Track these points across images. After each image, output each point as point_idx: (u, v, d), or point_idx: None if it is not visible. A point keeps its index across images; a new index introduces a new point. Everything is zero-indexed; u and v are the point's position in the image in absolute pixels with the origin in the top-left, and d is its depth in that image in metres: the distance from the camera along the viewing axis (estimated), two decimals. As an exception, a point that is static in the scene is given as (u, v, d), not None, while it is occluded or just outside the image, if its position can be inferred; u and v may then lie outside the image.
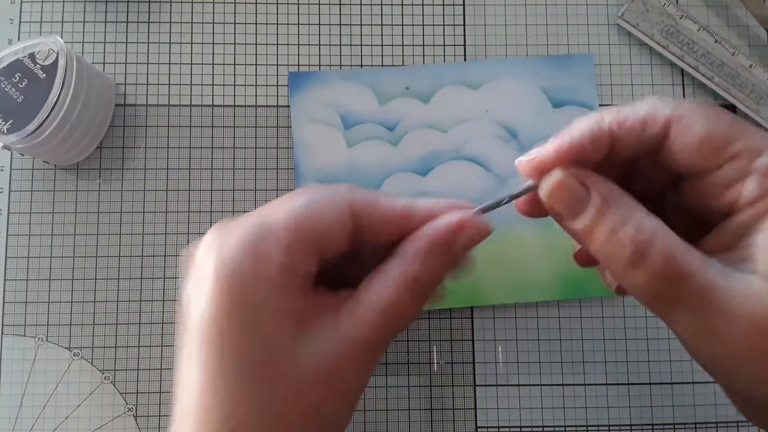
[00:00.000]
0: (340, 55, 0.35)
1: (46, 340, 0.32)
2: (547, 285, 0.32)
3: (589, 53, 0.35)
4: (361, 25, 0.35)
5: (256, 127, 0.34)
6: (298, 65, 0.35)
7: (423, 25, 0.35)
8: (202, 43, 0.35)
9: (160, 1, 0.35)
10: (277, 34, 0.35)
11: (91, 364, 0.32)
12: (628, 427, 0.32)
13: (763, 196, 0.19)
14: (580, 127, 0.21)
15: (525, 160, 0.22)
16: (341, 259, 0.23)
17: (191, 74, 0.34)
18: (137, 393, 0.32)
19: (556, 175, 0.21)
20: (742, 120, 0.21)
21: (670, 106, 0.21)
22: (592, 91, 0.34)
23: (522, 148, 0.33)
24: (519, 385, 0.33)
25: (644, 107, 0.21)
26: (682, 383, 0.33)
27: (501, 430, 0.32)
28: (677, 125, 0.20)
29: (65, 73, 0.30)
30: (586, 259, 0.24)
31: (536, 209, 0.23)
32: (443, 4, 0.35)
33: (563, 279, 0.33)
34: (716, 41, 0.34)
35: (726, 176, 0.20)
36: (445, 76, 0.34)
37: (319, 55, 0.35)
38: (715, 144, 0.20)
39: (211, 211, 0.33)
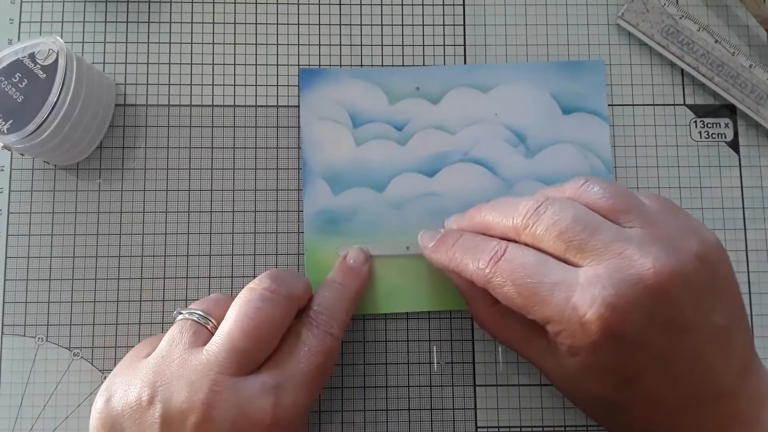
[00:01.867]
0: (340, 55, 0.35)
1: (46, 340, 0.32)
2: None
3: (599, 59, 0.35)
4: (361, 25, 0.35)
5: (256, 127, 0.34)
6: (298, 65, 0.35)
7: (423, 25, 0.35)
8: (202, 43, 0.35)
9: (160, 1, 0.35)
10: (277, 34, 0.35)
11: (91, 364, 0.32)
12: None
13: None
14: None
15: None
16: None
17: (191, 74, 0.34)
18: (137, 393, 0.32)
19: None
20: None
21: (487, 272, 0.26)
22: (602, 98, 0.34)
23: (530, 153, 0.34)
24: (519, 385, 0.33)
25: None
26: (682, 383, 0.33)
27: (501, 430, 0.32)
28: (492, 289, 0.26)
29: (65, 73, 0.30)
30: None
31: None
32: (443, 4, 0.35)
33: None
34: (716, 41, 0.34)
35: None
36: (455, 78, 0.34)
37: (319, 55, 0.35)
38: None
39: (211, 211, 0.33)
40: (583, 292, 0.23)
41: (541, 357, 0.27)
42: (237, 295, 0.28)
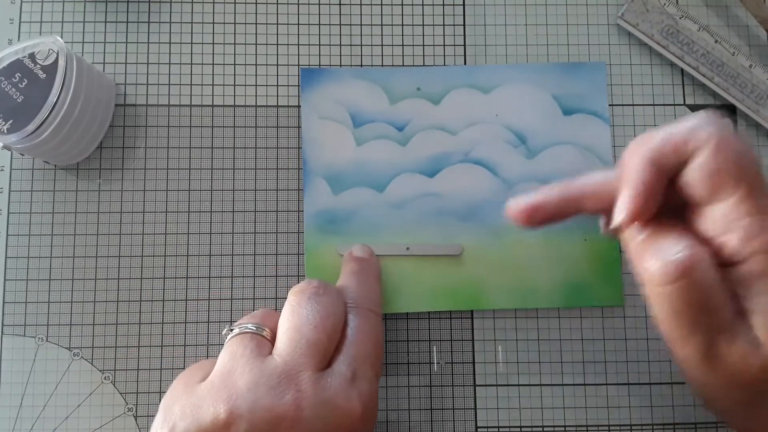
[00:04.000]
0: (341, 55, 0.35)
1: (46, 340, 0.32)
2: (549, 292, 0.33)
3: (600, 61, 0.35)
4: (361, 25, 0.35)
5: (256, 127, 0.34)
6: (298, 65, 0.35)
7: (423, 25, 0.35)
8: (202, 43, 0.35)
9: (160, 1, 0.35)
10: (277, 34, 0.35)
11: (91, 364, 0.32)
12: (628, 427, 0.32)
13: (742, 259, 0.22)
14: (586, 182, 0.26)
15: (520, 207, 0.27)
16: None
17: (191, 74, 0.34)
18: (137, 393, 0.32)
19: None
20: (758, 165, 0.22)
21: (709, 131, 0.22)
22: (603, 100, 0.34)
23: (530, 154, 0.34)
24: (519, 385, 0.33)
25: (687, 126, 0.23)
26: (682, 383, 0.33)
27: (501, 430, 0.32)
28: (706, 151, 0.22)
29: (65, 73, 0.30)
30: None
31: (535, 222, 0.26)
32: (443, 5, 0.35)
33: (566, 287, 0.33)
34: (716, 41, 0.34)
35: (720, 216, 0.22)
36: (456, 78, 0.34)
37: (320, 55, 0.35)
38: (717, 183, 0.22)
39: (211, 211, 0.33)
40: None
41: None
42: (260, 307, 0.29)
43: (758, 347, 0.21)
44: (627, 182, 0.23)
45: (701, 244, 0.22)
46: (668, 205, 0.23)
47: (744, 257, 0.21)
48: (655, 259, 0.22)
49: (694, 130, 0.22)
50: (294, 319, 0.26)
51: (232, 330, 0.27)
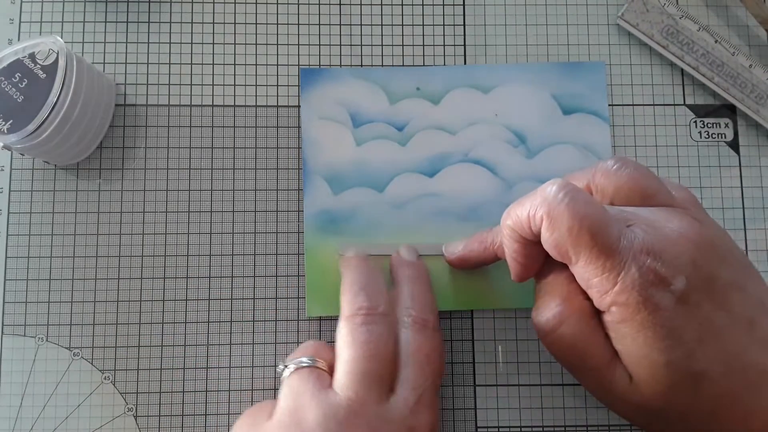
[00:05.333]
0: (340, 55, 0.35)
1: (46, 340, 0.32)
2: None
3: (600, 61, 0.35)
4: (361, 25, 0.35)
5: (256, 127, 0.34)
6: (298, 65, 0.35)
7: (423, 25, 0.35)
8: (202, 43, 0.35)
9: (160, 1, 0.35)
10: (277, 34, 0.35)
11: (91, 364, 0.32)
12: (628, 428, 0.32)
13: (604, 310, 0.24)
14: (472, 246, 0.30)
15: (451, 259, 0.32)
16: None
17: (191, 74, 0.34)
18: (137, 393, 0.32)
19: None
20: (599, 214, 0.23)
21: (542, 205, 0.24)
22: (603, 99, 0.34)
23: (530, 154, 0.34)
24: (519, 385, 0.33)
25: (529, 202, 0.25)
26: (682, 383, 0.33)
27: (501, 430, 0.32)
28: (543, 228, 0.24)
29: (65, 73, 0.30)
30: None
31: (466, 267, 0.32)
32: (443, 5, 0.35)
33: None
34: (716, 41, 0.34)
35: (578, 275, 0.24)
36: (456, 78, 0.34)
37: (320, 55, 0.35)
38: (560, 253, 0.24)
39: (211, 211, 0.33)
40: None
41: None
42: (304, 340, 0.30)
43: (632, 384, 0.24)
44: (505, 251, 0.27)
45: (574, 298, 0.25)
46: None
47: (605, 308, 0.24)
48: (536, 313, 0.26)
49: (535, 207, 0.24)
50: (349, 350, 0.26)
51: (286, 366, 0.27)
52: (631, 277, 0.22)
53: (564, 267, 0.25)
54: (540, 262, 0.27)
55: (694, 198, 0.27)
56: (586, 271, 0.23)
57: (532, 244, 0.26)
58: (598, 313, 0.25)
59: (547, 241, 0.24)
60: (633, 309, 0.23)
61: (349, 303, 0.28)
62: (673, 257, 0.23)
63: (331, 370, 0.27)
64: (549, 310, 0.25)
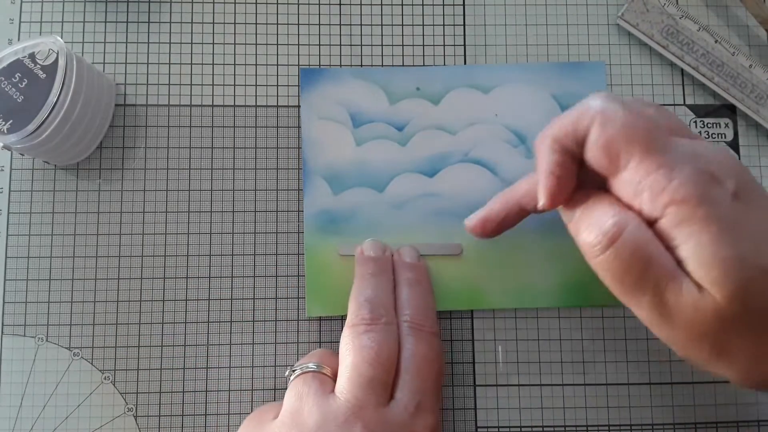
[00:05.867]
0: (340, 55, 0.35)
1: (46, 340, 0.32)
2: (549, 292, 0.33)
3: (600, 61, 0.35)
4: (361, 25, 0.35)
5: (256, 127, 0.34)
6: (298, 65, 0.35)
7: (423, 25, 0.35)
8: (202, 43, 0.35)
9: (160, 1, 0.35)
10: (277, 34, 0.35)
11: (91, 364, 0.32)
12: (628, 427, 0.32)
13: (659, 215, 0.23)
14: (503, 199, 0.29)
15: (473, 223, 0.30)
16: None
17: (191, 74, 0.34)
18: (137, 393, 0.32)
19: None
20: (652, 125, 0.23)
21: (595, 107, 0.24)
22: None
23: (530, 154, 0.34)
24: (519, 385, 0.33)
25: (578, 108, 0.24)
26: (682, 383, 0.33)
27: (501, 430, 0.32)
28: (594, 127, 0.24)
29: (65, 73, 0.30)
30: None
31: (488, 233, 0.30)
32: (443, 5, 0.35)
33: (566, 286, 0.33)
34: (716, 41, 0.34)
35: (627, 183, 0.23)
36: (456, 78, 0.34)
37: (319, 55, 0.35)
38: (611, 153, 0.23)
39: (211, 211, 0.33)
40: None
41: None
42: (313, 347, 0.30)
43: (702, 293, 0.22)
44: (539, 169, 0.26)
45: (626, 209, 0.23)
46: (594, 181, 0.25)
47: (660, 213, 0.22)
48: (587, 233, 0.24)
49: (583, 111, 0.24)
50: (350, 356, 0.27)
51: (294, 371, 0.28)
52: (687, 172, 0.22)
53: (601, 193, 0.25)
54: (573, 183, 0.25)
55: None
56: (638, 172, 0.23)
57: (571, 157, 0.25)
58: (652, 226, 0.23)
59: (598, 141, 0.23)
60: (694, 204, 0.22)
61: (353, 312, 0.28)
62: (719, 163, 0.23)
63: (335, 377, 0.28)
64: (604, 220, 0.23)
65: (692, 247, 0.22)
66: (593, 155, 0.24)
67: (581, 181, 0.25)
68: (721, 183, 0.22)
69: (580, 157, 0.25)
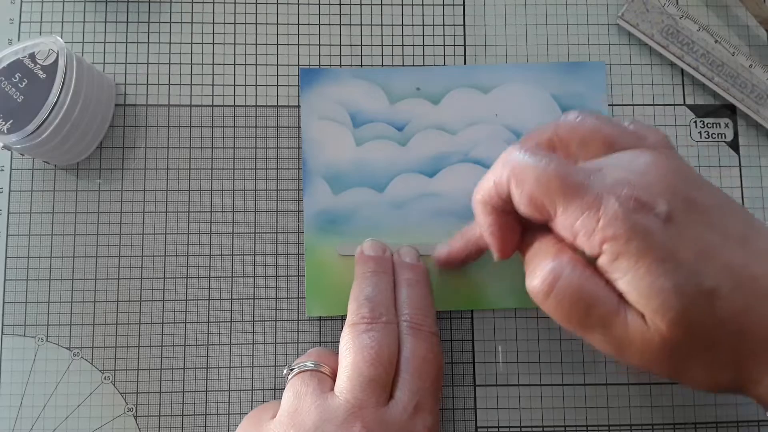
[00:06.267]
0: (340, 55, 0.35)
1: (46, 340, 0.32)
2: None
3: (600, 61, 0.35)
4: (361, 25, 0.35)
5: (256, 127, 0.34)
6: (298, 65, 0.35)
7: (423, 25, 0.35)
8: (202, 43, 0.35)
9: (160, 1, 0.35)
10: (277, 34, 0.35)
11: (91, 364, 0.32)
12: (628, 427, 0.32)
13: (597, 253, 0.23)
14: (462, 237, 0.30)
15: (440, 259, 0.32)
16: None
17: (191, 74, 0.34)
18: (137, 393, 0.32)
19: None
20: (563, 170, 0.23)
21: (506, 168, 0.25)
22: (602, 99, 0.34)
23: None
24: (519, 385, 0.33)
25: (492, 171, 0.25)
26: (682, 383, 0.33)
27: (501, 430, 0.32)
28: (512, 188, 0.24)
29: (65, 73, 0.30)
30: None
31: (452, 267, 0.32)
32: (443, 5, 0.35)
33: None
34: (716, 41, 0.34)
35: (561, 228, 0.24)
36: (456, 78, 0.34)
37: (319, 55, 0.35)
38: (535, 209, 0.24)
39: (211, 211, 0.33)
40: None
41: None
42: (313, 347, 0.30)
43: (647, 324, 0.22)
44: (482, 229, 0.27)
45: (564, 252, 0.24)
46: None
47: (597, 251, 0.23)
48: (530, 280, 0.25)
49: (498, 173, 0.25)
50: (350, 356, 0.27)
51: (292, 370, 0.28)
52: (612, 207, 0.22)
53: (547, 232, 0.25)
54: (517, 233, 0.26)
55: (667, 140, 0.26)
56: (566, 218, 0.23)
57: (504, 213, 0.26)
58: (592, 264, 0.24)
59: (520, 199, 0.24)
60: (624, 239, 0.22)
61: (353, 311, 0.28)
62: (649, 184, 0.22)
63: (333, 376, 0.28)
64: (543, 268, 0.24)
65: (629, 280, 0.22)
66: (522, 212, 0.25)
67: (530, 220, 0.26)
68: (651, 208, 0.22)
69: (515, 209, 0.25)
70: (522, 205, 0.24)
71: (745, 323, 0.22)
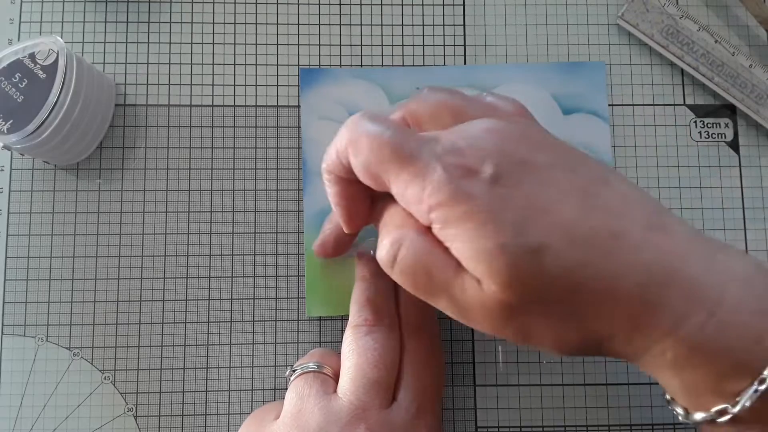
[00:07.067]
0: (340, 55, 0.35)
1: (46, 340, 0.32)
2: None
3: (600, 61, 0.35)
4: (361, 25, 0.35)
5: (256, 127, 0.34)
6: (298, 65, 0.35)
7: (423, 25, 0.35)
8: (202, 43, 0.35)
9: (160, 1, 0.35)
10: (277, 34, 0.35)
11: (91, 364, 0.32)
12: (628, 427, 0.32)
13: (428, 222, 0.23)
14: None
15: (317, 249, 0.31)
16: None
17: (191, 74, 0.34)
18: (137, 393, 0.32)
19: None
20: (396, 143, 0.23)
21: (344, 136, 0.24)
22: (602, 99, 0.34)
23: None
24: (519, 385, 0.33)
25: (334, 141, 0.25)
26: (682, 383, 0.33)
27: (501, 430, 0.32)
28: (350, 157, 0.24)
29: (65, 73, 0.30)
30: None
31: (329, 254, 0.31)
32: (443, 5, 0.35)
33: None
34: (716, 41, 0.34)
35: (397, 197, 0.23)
36: (455, 78, 0.34)
37: (319, 55, 0.35)
38: (370, 177, 0.24)
39: (211, 211, 0.33)
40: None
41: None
42: (313, 347, 0.30)
43: (482, 287, 0.22)
44: (330, 199, 0.27)
45: (408, 221, 0.24)
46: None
47: (427, 220, 0.22)
48: (379, 250, 0.24)
49: (338, 142, 0.24)
50: (353, 358, 0.27)
51: (294, 371, 0.28)
52: (438, 175, 0.22)
53: (395, 203, 0.24)
54: (365, 204, 0.26)
55: (524, 109, 0.26)
56: (398, 187, 0.23)
57: (349, 183, 0.25)
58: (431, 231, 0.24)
59: (357, 168, 0.24)
60: (449, 206, 0.21)
61: (356, 313, 0.28)
62: (477, 149, 0.22)
63: (336, 377, 0.28)
64: (386, 239, 0.24)
65: (459, 246, 0.22)
66: (362, 180, 0.24)
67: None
68: (477, 173, 0.22)
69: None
70: (359, 173, 0.24)
71: (581, 278, 0.21)
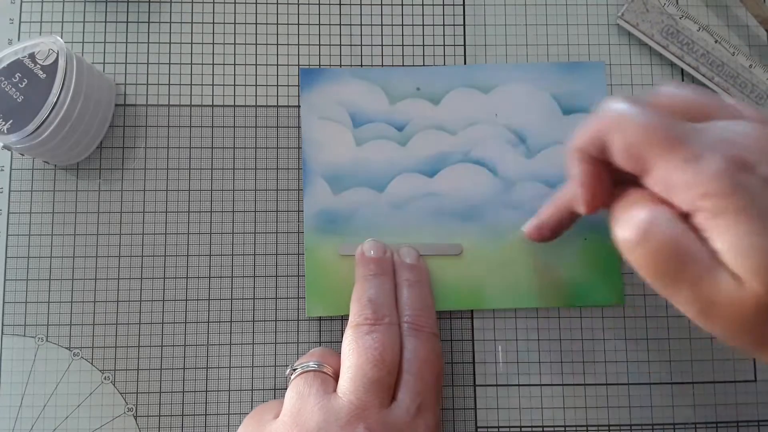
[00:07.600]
0: (340, 55, 0.35)
1: (46, 340, 0.32)
2: (549, 292, 0.33)
3: (600, 61, 0.35)
4: (361, 25, 0.35)
5: (256, 127, 0.34)
6: (298, 65, 0.35)
7: (423, 25, 0.35)
8: (202, 43, 0.35)
9: (160, 1, 0.35)
10: (277, 34, 0.35)
11: (91, 364, 0.32)
12: (628, 427, 0.32)
13: (693, 209, 0.22)
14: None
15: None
16: None
17: (191, 74, 0.34)
18: (137, 393, 0.32)
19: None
20: (668, 125, 0.23)
21: (610, 114, 0.23)
22: (602, 99, 0.34)
23: (530, 154, 0.34)
24: (519, 385, 0.33)
25: (594, 118, 0.24)
26: (682, 383, 0.33)
27: (501, 430, 0.32)
28: (613, 135, 0.23)
29: (65, 73, 0.30)
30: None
31: (546, 237, 0.31)
32: (443, 5, 0.35)
33: (566, 287, 0.33)
34: (716, 41, 0.34)
35: (658, 181, 0.23)
36: (456, 78, 0.34)
37: (319, 55, 0.35)
38: (634, 160, 0.23)
39: (211, 211, 0.33)
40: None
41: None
42: (313, 347, 0.30)
43: (740, 284, 0.21)
44: (573, 180, 0.26)
45: (660, 205, 0.23)
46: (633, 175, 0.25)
47: (693, 207, 0.22)
48: (621, 230, 0.23)
49: (600, 119, 0.24)
50: (353, 357, 0.27)
51: (294, 370, 0.28)
52: (716, 163, 0.21)
53: (638, 187, 0.24)
54: (607, 187, 0.25)
55: (765, 116, 0.25)
56: (666, 170, 0.22)
57: (597, 163, 0.25)
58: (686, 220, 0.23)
59: (619, 147, 0.23)
60: (726, 195, 0.21)
61: (356, 313, 0.29)
62: (750, 147, 0.22)
63: (336, 376, 0.28)
64: (637, 215, 0.23)
65: (728, 238, 0.21)
66: (619, 162, 0.24)
67: (621, 176, 0.25)
68: (753, 169, 0.21)
69: (609, 160, 0.25)
70: (620, 154, 0.23)
71: None
